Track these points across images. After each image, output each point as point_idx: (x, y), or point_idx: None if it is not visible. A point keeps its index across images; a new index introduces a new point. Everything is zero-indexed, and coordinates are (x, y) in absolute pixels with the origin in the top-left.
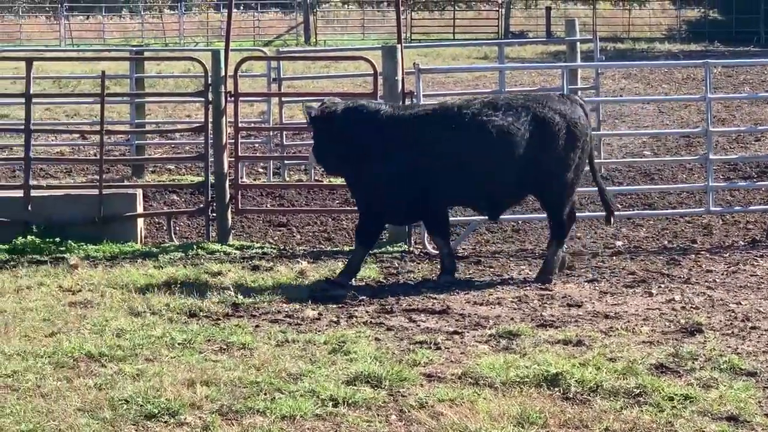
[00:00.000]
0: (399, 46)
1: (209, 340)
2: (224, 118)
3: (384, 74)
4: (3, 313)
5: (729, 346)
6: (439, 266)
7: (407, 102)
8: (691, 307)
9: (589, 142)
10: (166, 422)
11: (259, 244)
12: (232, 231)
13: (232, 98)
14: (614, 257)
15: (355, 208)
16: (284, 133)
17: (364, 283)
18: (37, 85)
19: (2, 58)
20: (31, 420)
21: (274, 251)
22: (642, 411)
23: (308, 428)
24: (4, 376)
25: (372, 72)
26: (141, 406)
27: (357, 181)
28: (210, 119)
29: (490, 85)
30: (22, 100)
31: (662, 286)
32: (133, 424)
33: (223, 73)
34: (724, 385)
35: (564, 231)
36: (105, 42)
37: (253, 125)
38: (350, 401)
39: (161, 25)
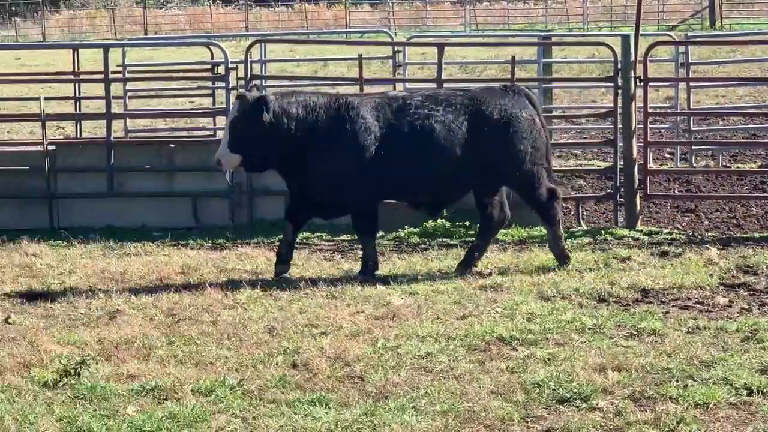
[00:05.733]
0: None
1: (619, 326)
2: (633, 103)
3: None
4: (415, 296)
5: None
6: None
7: None
8: None
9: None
10: (578, 407)
11: (667, 230)
12: (640, 216)
13: (642, 83)
14: None
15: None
16: (692, 118)
17: None
18: (444, 70)
19: (413, 43)
20: (446, 401)
21: (683, 237)
22: None
23: (722, 416)
24: (418, 358)
25: None
26: (553, 390)
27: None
28: (619, 104)
29: None
30: (433, 85)
31: None
32: (545, 408)
33: (632, 58)
34: None
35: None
36: (509, 27)
37: (660, 110)
38: (765, 390)
39: (565, 10)
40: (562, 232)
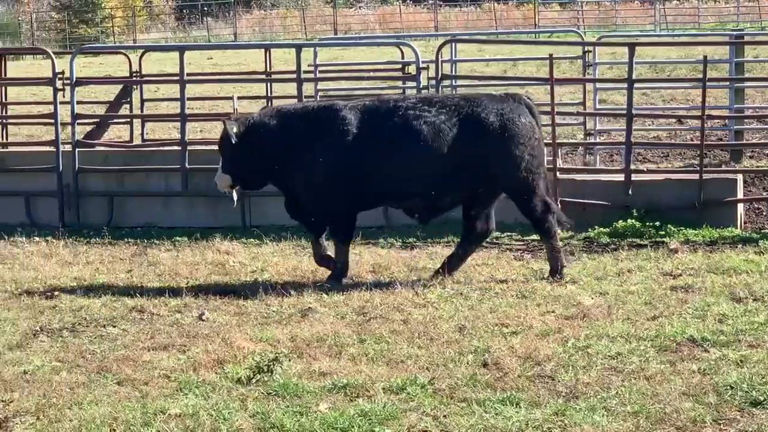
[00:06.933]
0: None
1: None
2: None
3: None
4: (606, 296)
5: None
6: None
7: None
8: None
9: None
10: None
11: None
12: None
13: None
14: None
15: None
16: None
17: None
18: (634, 70)
19: (603, 43)
20: (636, 402)
21: None
22: None
23: None
24: (609, 358)
25: None
26: (746, 392)
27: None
28: None
29: None
30: (625, 84)
31: None
32: (738, 411)
33: None
34: None
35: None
36: (699, 26)
37: None
38: None
39: (757, 8)
40: (560, 244)
